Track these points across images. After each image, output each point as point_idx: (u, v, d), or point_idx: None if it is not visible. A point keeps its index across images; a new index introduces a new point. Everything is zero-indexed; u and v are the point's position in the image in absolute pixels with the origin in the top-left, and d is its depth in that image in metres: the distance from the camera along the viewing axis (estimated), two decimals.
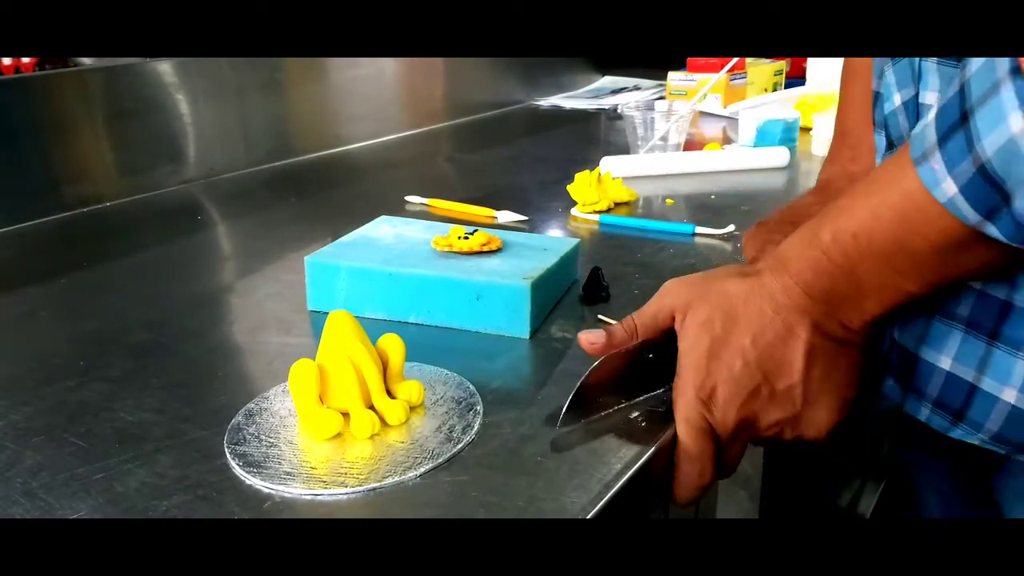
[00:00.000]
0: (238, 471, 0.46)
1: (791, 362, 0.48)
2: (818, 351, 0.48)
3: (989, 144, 0.38)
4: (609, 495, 0.44)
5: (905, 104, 0.52)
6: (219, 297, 0.75)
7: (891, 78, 0.53)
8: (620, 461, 0.47)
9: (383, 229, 0.73)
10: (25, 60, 0.99)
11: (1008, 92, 0.37)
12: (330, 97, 1.29)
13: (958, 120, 0.39)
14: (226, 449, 0.48)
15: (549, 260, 0.66)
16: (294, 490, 0.44)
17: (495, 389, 0.54)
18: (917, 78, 0.50)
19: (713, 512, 0.81)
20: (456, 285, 0.63)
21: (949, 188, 0.40)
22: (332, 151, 1.29)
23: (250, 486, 0.45)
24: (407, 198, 0.99)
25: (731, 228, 0.84)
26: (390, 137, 1.38)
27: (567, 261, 0.69)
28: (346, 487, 0.44)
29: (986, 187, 0.39)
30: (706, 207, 0.96)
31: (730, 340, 0.48)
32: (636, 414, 0.51)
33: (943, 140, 0.40)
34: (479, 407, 0.52)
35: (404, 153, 1.31)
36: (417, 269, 0.64)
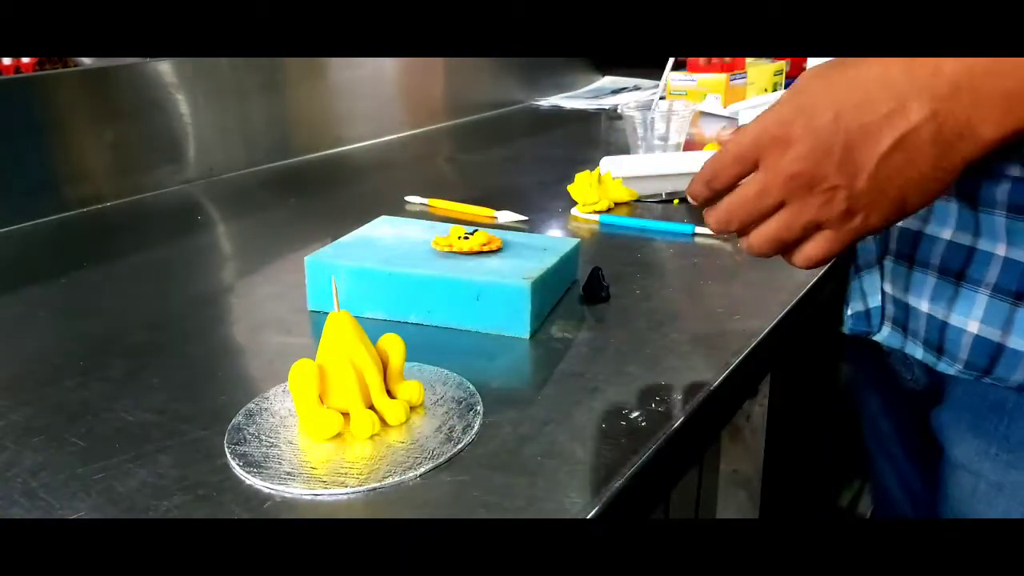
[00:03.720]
0: (238, 471, 0.46)
1: (879, 138, 0.42)
2: (915, 143, 0.42)
3: None
4: (609, 495, 0.44)
5: None
6: (219, 297, 0.75)
7: None
8: (620, 461, 0.47)
9: (383, 229, 0.73)
10: (25, 60, 0.99)
11: None
12: (330, 97, 1.29)
13: None
14: (226, 449, 0.48)
15: (549, 260, 0.66)
16: (294, 490, 0.44)
17: (495, 389, 0.54)
18: None
19: (713, 512, 0.81)
20: (456, 285, 0.63)
21: None
22: (332, 151, 1.29)
23: (250, 486, 0.45)
24: (407, 198, 0.99)
25: None
26: (390, 137, 1.38)
27: (567, 261, 0.69)
28: (346, 487, 0.44)
29: None
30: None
31: (825, 97, 0.43)
32: (636, 414, 0.51)
33: None
34: (479, 407, 0.52)
35: (404, 153, 1.31)
36: (417, 269, 0.64)
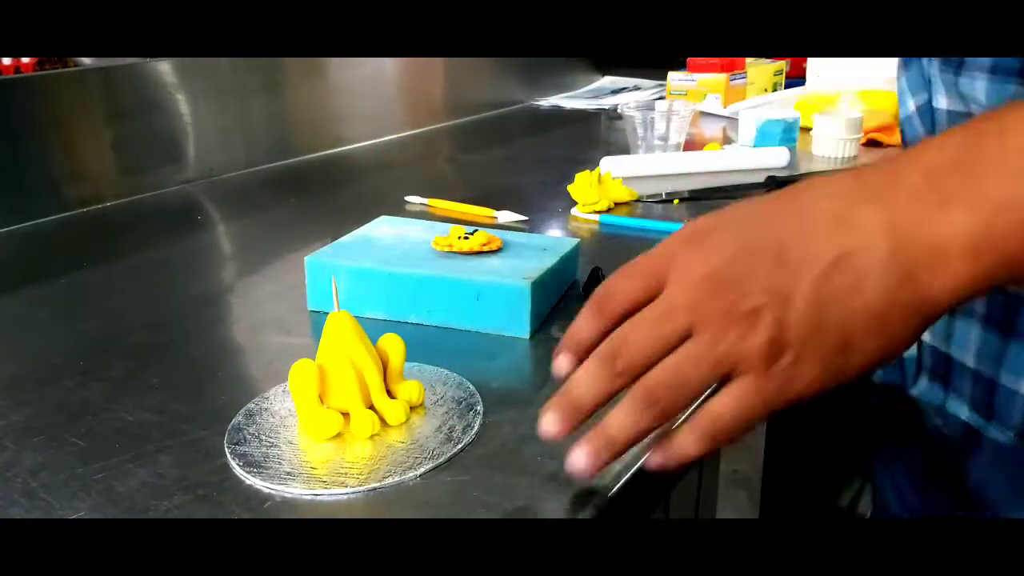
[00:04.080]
0: (238, 471, 0.46)
1: (817, 250, 0.32)
2: (863, 262, 0.31)
3: None
4: (609, 495, 0.44)
5: (919, 109, 0.50)
6: (219, 297, 0.75)
7: (904, 84, 0.51)
8: (620, 461, 0.46)
9: (383, 229, 0.73)
10: (25, 60, 0.99)
11: None
12: (330, 97, 1.29)
13: None
14: (226, 449, 0.48)
15: (549, 260, 0.66)
16: (294, 490, 0.44)
17: (495, 389, 0.54)
18: (927, 83, 0.49)
19: (713, 512, 0.81)
20: (456, 285, 0.63)
21: None
22: (332, 151, 1.29)
23: (250, 486, 0.45)
24: (407, 198, 0.99)
25: None
26: (390, 137, 1.38)
27: (567, 261, 0.69)
28: (346, 487, 0.44)
29: None
30: (706, 207, 0.96)
31: (757, 204, 0.35)
32: None
33: None
34: (479, 407, 0.52)
35: (404, 153, 1.31)
36: (417, 269, 0.64)
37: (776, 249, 0.33)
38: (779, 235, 0.33)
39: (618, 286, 0.36)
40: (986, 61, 0.45)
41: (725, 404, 0.34)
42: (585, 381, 0.36)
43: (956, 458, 0.53)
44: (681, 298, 0.34)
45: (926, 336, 0.51)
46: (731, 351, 0.33)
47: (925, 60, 0.50)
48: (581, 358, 0.37)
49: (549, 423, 0.38)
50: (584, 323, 0.37)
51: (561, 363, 0.38)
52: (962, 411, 0.50)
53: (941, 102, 0.48)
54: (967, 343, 0.48)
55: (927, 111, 0.50)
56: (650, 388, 0.35)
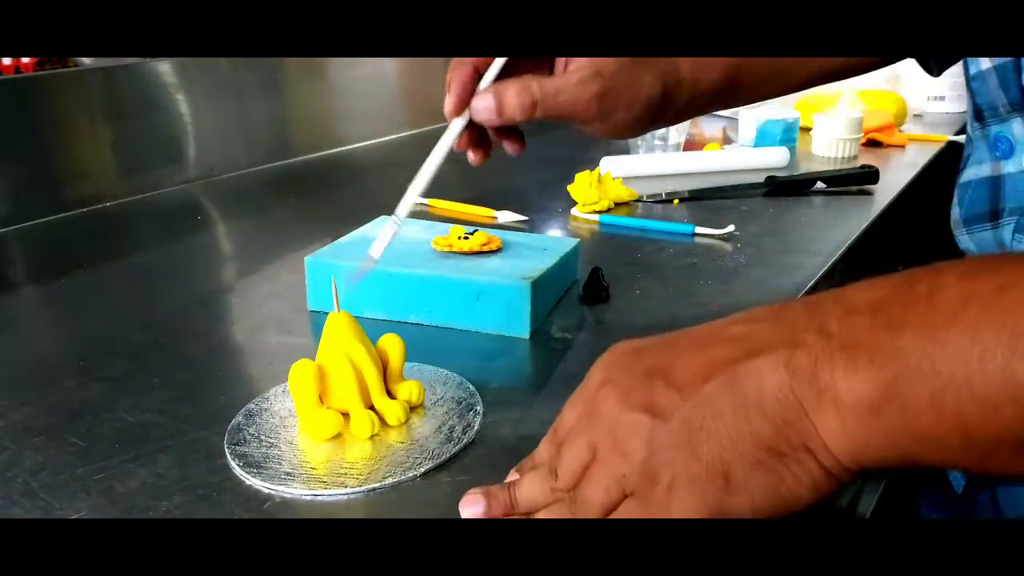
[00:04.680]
0: (238, 471, 0.46)
1: (708, 348, 0.32)
2: (745, 376, 0.31)
3: None
4: None
5: (996, 66, 0.45)
6: (219, 297, 0.75)
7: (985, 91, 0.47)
8: None
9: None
10: (25, 60, 0.99)
11: None
12: (330, 97, 1.29)
13: None
14: (226, 449, 0.48)
15: (549, 260, 0.66)
16: (294, 490, 0.44)
17: (495, 389, 0.54)
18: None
19: None
20: (456, 285, 0.63)
21: None
22: (332, 151, 1.29)
23: (250, 486, 0.45)
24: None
25: (731, 228, 0.84)
26: (390, 137, 1.38)
27: (567, 261, 0.69)
28: (346, 487, 0.44)
29: None
30: (706, 207, 0.96)
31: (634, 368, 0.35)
32: None
33: None
34: (479, 407, 0.52)
35: (404, 153, 1.31)
36: (417, 269, 0.64)
37: (667, 357, 0.34)
38: (660, 359, 0.34)
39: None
40: None
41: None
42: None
43: None
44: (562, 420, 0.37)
45: None
46: (616, 471, 0.34)
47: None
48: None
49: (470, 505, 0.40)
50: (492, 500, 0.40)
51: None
52: None
53: None
54: None
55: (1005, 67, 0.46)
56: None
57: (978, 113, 0.48)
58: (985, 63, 0.46)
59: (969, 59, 0.49)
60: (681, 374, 0.32)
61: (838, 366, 0.29)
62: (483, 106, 0.48)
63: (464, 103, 0.49)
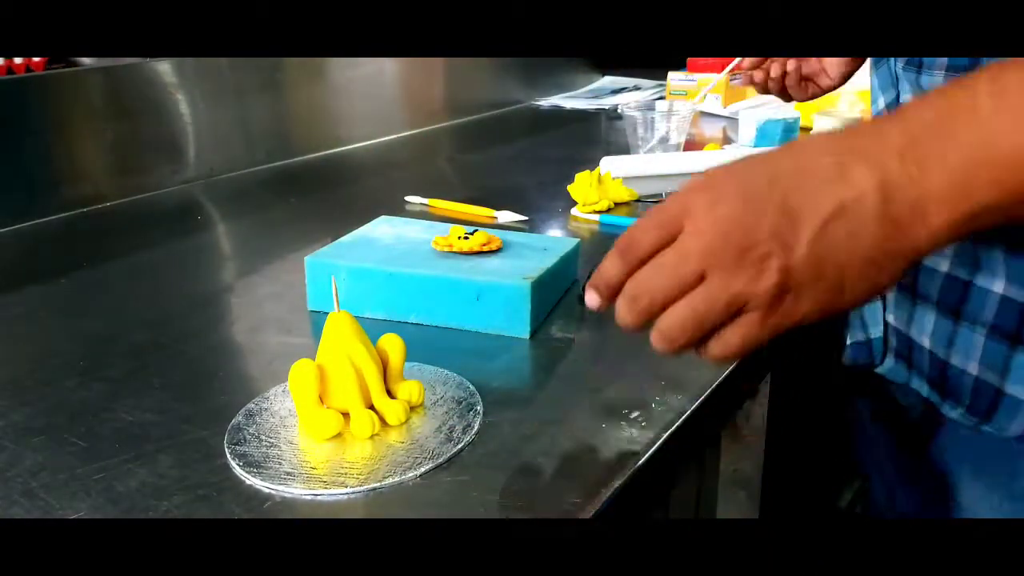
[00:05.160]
0: (238, 471, 0.46)
1: (818, 203, 0.36)
2: (859, 214, 0.36)
3: None
4: (609, 495, 0.44)
5: (888, 106, 0.53)
6: (219, 297, 0.75)
7: (875, 82, 0.54)
8: (620, 461, 0.47)
9: (383, 229, 0.73)
10: (36, 60, 0.99)
11: None
12: (330, 97, 1.29)
13: None
14: (226, 449, 0.48)
15: (549, 260, 0.66)
16: (294, 490, 0.44)
17: (495, 389, 0.54)
18: (896, 81, 0.51)
19: (713, 512, 0.81)
20: (456, 285, 0.63)
21: None
22: (332, 151, 1.29)
23: (250, 486, 0.45)
24: (407, 198, 0.99)
25: None
26: (390, 137, 1.38)
27: (567, 261, 0.69)
28: (346, 487, 0.44)
29: None
30: None
31: (761, 162, 0.38)
32: (636, 414, 0.51)
33: None
34: (479, 407, 0.52)
35: (404, 153, 1.31)
36: (417, 269, 0.64)
37: (781, 200, 0.36)
38: (783, 187, 0.36)
39: (639, 234, 0.39)
40: (943, 60, 0.49)
41: (735, 333, 0.38)
42: (618, 317, 0.41)
43: (922, 435, 0.59)
44: (695, 246, 0.37)
45: (891, 318, 0.56)
46: (741, 293, 0.37)
47: (892, 60, 0.52)
48: (607, 296, 0.42)
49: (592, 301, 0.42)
50: (609, 266, 0.41)
51: (591, 299, 0.42)
52: (923, 388, 0.55)
53: (907, 99, 0.51)
54: (924, 326, 0.53)
55: (895, 108, 0.51)
56: (665, 331, 0.39)
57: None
58: (881, 104, 0.53)
59: (873, 100, 0.55)
60: (794, 204, 0.36)
61: (917, 182, 0.35)
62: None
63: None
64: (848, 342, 0.61)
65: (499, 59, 1.60)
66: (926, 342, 0.54)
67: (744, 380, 0.60)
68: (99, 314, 0.69)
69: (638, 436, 0.49)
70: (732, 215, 0.37)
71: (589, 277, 0.43)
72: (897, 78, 0.53)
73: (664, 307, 0.39)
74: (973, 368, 0.50)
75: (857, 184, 0.35)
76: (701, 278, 0.37)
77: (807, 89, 0.89)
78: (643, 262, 0.39)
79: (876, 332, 0.58)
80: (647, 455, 0.47)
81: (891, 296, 0.56)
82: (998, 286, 0.48)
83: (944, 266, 0.51)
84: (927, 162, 0.35)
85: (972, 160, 0.35)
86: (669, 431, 0.49)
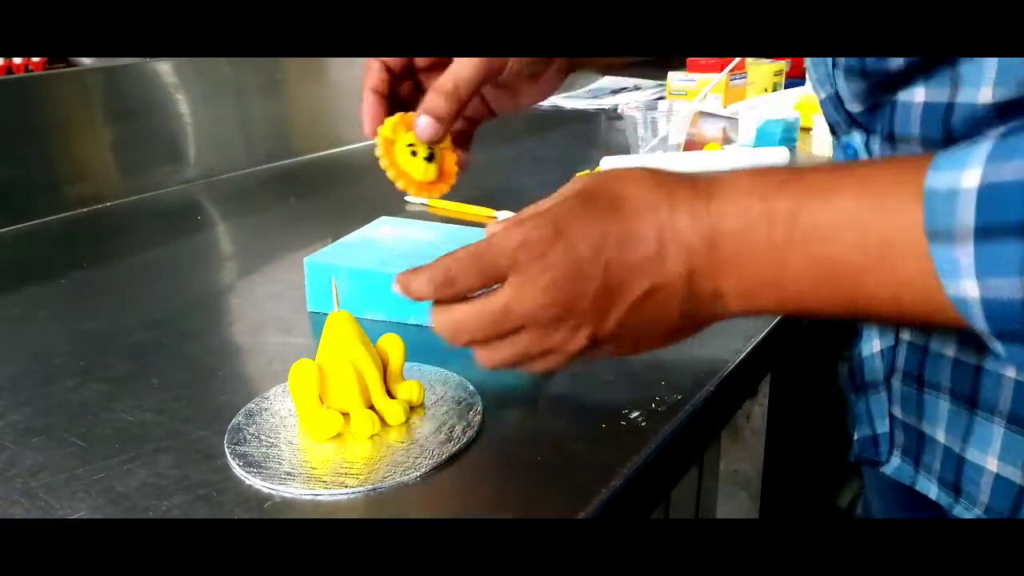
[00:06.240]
0: (238, 471, 0.46)
1: (634, 283, 0.40)
2: (668, 295, 0.40)
3: None
4: (609, 495, 0.44)
5: (830, 98, 0.52)
6: (219, 297, 0.75)
7: (814, 77, 0.53)
8: (620, 461, 0.46)
9: (383, 230, 0.73)
10: (35, 60, 0.99)
11: None
12: (330, 97, 1.29)
13: (1020, 224, 0.31)
14: (226, 449, 0.48)
15: None
16: (294, 490, 0.44)
17: (495, 389, 0.54)
18: (834, 80, 0.51)
19: (713, 512, 0.81)
20: None
21: (969, 290, 0.33)
22: (332, 151, 1.29)
23: (250, 486, 0.45)
24: (407, 198, 0.99)
25: None
26: None
27: None
28: (346, 487, 0.44)
29: None
30: None
31: (589, 223, 0.40)
32: (636, 414, 0.51)
33: (987, 234, 0.32)
34: (479, 407, 0.52)
35: None
36: None
37: (603, 274, 0.40)
38: (607, 259, 0.40)
39: (459, 276, 0.42)
40: (844, 61, 0.48)
41: (542, 366, 0.44)
42: (436, 331, 0.44)
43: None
44: (518, 310, 0.41)
45: (898, 411, 0.53)
46: (552, 347, 0.42)
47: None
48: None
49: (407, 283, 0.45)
50: (420, 287, 0.43)
51: (397, 290, 0.45)
52: (931, 490, 0.51)
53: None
54: (936, 418, 0.49)
55: (835, 99, 0.52)
56: (484, 359, 0.44)
57: (831, 128, 0.54)
58: (822, 94, 0.52)
59: (816, 86, 0.53)
60: (613, 280, 0.40)
61: (716, 283, 0.40)
62: (424, 124, 0.51)
63: (376, 122, 0.53)
64: (855, 437, 0.57)
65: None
66: (940, 436, 0.49)
67: (744, 380, 0.60)
68: (99, 314, 0.69)
69: (638, 436, 0.49)
70: (556, 287, 0.40)
71: None
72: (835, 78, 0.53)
73: (480, 344, 0.44)
74: (992, 463, 0.46)
75: (670, 270, 0.39)
76: (520, 328, 0.42)
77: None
78: (457, 299, 0.43)
79: (882, 427, 0.54)
80: (647, 455, 0.47)
81: (896, 385, 0.52)
82: (1009, 371, 0.44)
83: (950, 350, 0.47)
84: (724, 268, 0.39)
85: (759, 279, 0.39)
86: (669, 431, 0.49)
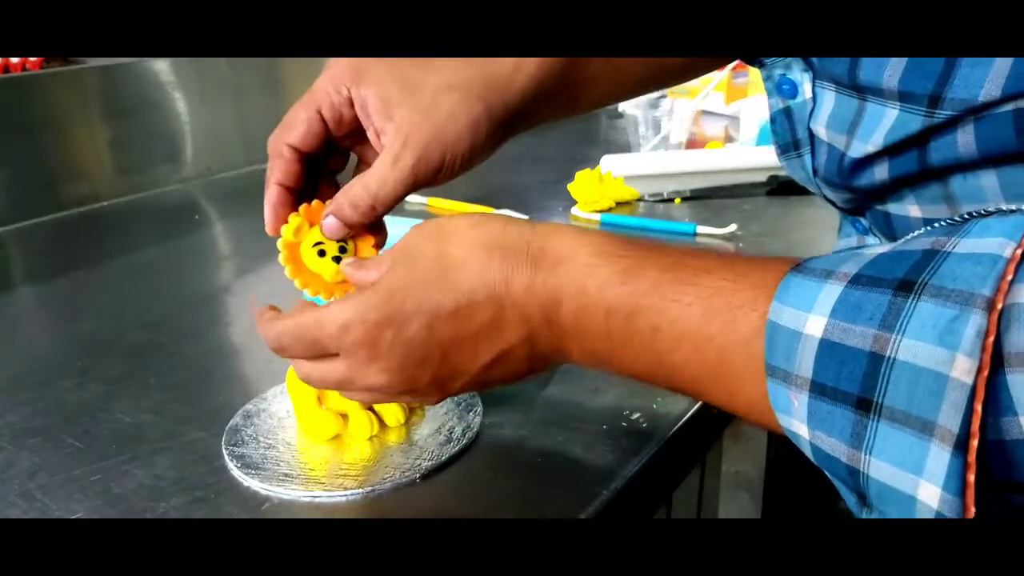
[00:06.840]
0: (236, 472, 0.46)
1: (478, 353, 0.41)
2: (512, 358, 0.41)
3: (877, 466, 0.32)
4: (609, 496, 0.43)
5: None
6: (217, 297, 0.74)
7: (768, 85, 0.54)
8: (621, 462, 0.46)
9: None
10: (32, 59, 0.99)
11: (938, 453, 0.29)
12: None
13: (855, 399, 0.31)
14: (224, 450, 0.48)
15: None
16: (292, 492, 0.44)
17: (495, 390, 0.54)
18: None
19: (715, 513, 0.81)
20: None
21: (800, 431, 0.34)
22: None
23: (248, 488, 0.45)
24: (406, 198, 0.99)
25: (733, 227, 0.84)
26: None
27: None
28: (345, 489, 0.44)
29: (849, 477, 0.34)
30: (708, 206, 0.95)
31: (416, 299, 0.40)
32: (637, 415, 0.51)
33: (822, 393, 0.32)
34: (479, 408, 0.51)
35: None
36: None
37: (440, 354, 0.40)
38: (444, 349, 0.40)
39: (290, 351, 0.43)
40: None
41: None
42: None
43: None
44: (357, 385, 0.41)
45: None
46: (404, 399, 0.45)
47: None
48: None
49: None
50: (266, 335, 0.44)
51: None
52: None
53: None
54: None
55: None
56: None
57: (760, 61, 0.53)
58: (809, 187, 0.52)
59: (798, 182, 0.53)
60: (454, 360, 0.41)
61: (550, 334, 0.40)
62: (333, 226, 0.49)
63: (281, 221, 0.50)
64: None
65: None
66: None
67: None
68: (96, 314, 0.69)
69: (639, 437, 0.48)
70: (391, 371, 0.40)
71: None
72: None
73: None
74: None
75: (510, 338, 0.40)
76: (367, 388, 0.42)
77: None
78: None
79: None
80: (648, 456, 0.47)
81: None
82: None
83: None
84: (565, 337, 0.40)
85: (599, 356, 0.40)
86: (670, 432, 0.49)
